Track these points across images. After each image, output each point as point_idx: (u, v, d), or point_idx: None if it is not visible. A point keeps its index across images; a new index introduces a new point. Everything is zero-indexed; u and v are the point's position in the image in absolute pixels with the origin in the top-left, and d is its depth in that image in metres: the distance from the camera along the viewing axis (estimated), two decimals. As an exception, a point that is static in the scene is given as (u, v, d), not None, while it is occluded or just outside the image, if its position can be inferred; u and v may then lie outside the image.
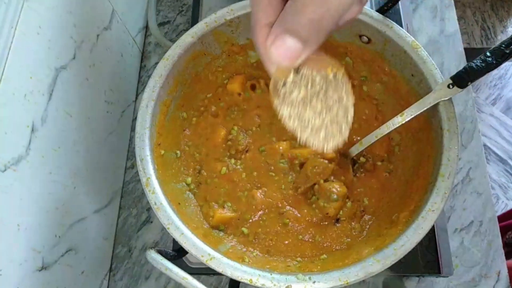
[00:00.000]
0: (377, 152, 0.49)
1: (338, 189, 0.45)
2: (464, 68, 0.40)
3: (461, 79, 0.40)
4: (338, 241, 0.44)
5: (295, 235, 0.45)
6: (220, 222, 0.46)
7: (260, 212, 0.46)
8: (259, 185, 0.48)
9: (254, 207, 0.46)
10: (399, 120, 0.43)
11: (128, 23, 0.62)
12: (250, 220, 0.46)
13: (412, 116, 0.42)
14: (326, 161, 0.46)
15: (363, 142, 0.46)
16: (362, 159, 0.49)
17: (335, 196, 0.44)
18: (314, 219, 0.46)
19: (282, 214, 0.46)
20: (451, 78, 0.41)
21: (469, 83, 0.40)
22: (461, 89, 0.40)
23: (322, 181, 0.46)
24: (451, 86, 0.41)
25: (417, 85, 0.45)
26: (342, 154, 0.49)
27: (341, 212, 0.45)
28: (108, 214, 0.56)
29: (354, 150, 0.47)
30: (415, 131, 0.47)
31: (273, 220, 0.46)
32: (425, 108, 0.42)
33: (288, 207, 0.46)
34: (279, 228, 0.46)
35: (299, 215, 0.46)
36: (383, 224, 0.43)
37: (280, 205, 0.46)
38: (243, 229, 0.45)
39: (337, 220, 0.45)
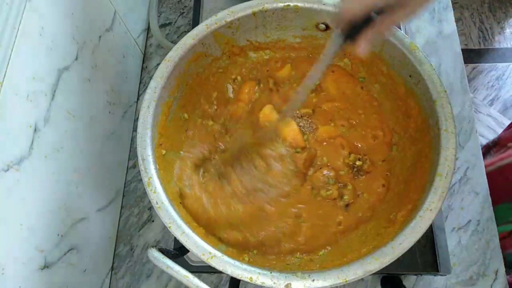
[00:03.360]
0: (376, 153, 0.50)
1: (327, 172, 0.48)
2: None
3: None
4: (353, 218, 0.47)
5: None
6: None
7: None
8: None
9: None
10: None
11: (130, 25, 0.63)
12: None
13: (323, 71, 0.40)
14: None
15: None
16: (358, 162, 0.49)
17: (331, 180, 0.47)
18: (328, 208, 0.47)
19: (298, 217, 0.47)
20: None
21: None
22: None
23: (312, 173, 0.48)
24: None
25: (415, 86, 0.45)
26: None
27: (345, 197, 0.47)
28: (110, 213, 0.57)
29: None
30: (413, 131, 0.47)
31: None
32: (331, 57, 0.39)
33: (300, 205, 0.48)
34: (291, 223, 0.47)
35: (312, 209, 0.48)
36: (381, 223, 0.44)
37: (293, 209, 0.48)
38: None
39: (347, 205, 0.48)
